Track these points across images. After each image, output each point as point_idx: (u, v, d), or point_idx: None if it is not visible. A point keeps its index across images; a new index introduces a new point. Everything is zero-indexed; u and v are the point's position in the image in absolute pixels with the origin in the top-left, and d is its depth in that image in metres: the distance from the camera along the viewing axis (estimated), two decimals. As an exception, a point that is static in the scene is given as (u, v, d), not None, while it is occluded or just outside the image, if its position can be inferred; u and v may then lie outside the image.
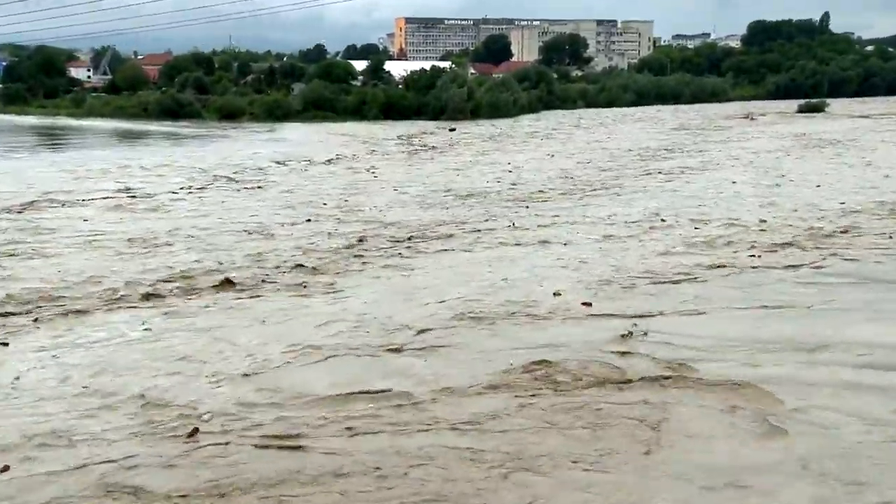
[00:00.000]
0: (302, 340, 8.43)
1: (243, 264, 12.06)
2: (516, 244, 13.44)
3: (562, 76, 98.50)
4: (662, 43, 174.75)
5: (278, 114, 66.96)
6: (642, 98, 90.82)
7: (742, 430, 6.30)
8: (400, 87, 75.13)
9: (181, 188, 20.96)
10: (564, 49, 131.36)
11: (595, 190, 20.69)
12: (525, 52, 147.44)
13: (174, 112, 66.44)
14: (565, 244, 13.24)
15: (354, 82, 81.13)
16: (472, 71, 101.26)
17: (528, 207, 17.37)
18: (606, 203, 17.93)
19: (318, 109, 68.47)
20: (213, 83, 75.87)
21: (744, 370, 7.53)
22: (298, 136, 46.65)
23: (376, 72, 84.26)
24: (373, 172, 24.63)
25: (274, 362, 7.83)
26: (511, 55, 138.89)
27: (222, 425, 6.40)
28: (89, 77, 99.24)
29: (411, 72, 75.34)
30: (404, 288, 10.68)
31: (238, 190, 21.14)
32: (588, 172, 24.96)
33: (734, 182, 22.44)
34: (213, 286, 10.79)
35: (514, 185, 21.52)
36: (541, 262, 11.99)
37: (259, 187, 21.31)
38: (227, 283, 10.91)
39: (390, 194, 19.13)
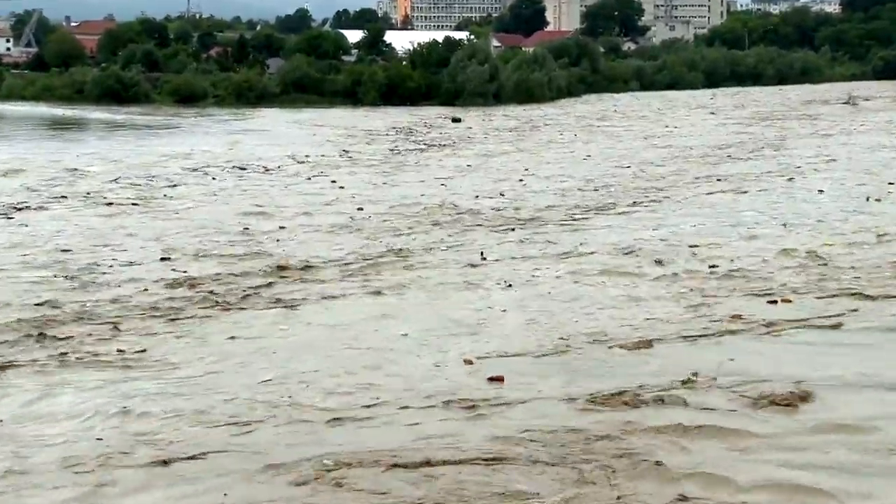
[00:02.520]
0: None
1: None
2: (466, 285, 13.27)
3: (610, 50, 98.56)
4: (739, 8, 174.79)
5: (250, 97, 66.93)
6: (713, 78, 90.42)
7: None
8: (404, 63, 74.97)
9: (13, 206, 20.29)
10: (613, 15, 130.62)
11: (621, 206, 20.55)
12: (563, 19, 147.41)
13: (117, 94, 66.27)
14: (532, 285, 13.22)
15: (347, 58, 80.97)
16: (496, 44, 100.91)
17: (514, 231, 17.45)
18: (629, 225, 18.13)
19: (301, 92, 68.60)
20: (168, 58, 75.69)
21: None
22: (268, 128, 47.05)
23: (374, 45, 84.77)
24: (335, 183, 24.33)
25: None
26: (545, 23, 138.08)
27: None
28: (9, 50, 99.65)
29: (418, 45, 75.54)
30: (224, 364, 10.20)
31: (109, 204, 20.73)
32: (623, 181, 24.67)
33: (821, 191, 22.40)
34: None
35: (517, 199, 21.29)
36: (475, 313, 11.81)
37: (134, 204, 20.88)
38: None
39: (328, 218, 18.67)
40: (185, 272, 14.05)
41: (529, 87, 70.62)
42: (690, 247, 15.81)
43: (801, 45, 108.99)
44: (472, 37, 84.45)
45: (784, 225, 17.95)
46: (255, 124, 49.98)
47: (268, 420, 8.69)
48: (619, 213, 19.68)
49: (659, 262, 14.67)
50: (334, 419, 8.71)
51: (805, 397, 9.13)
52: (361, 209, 19.70)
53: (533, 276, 13.96)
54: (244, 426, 8.54)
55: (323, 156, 30.94)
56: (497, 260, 14.93)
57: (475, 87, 67.87)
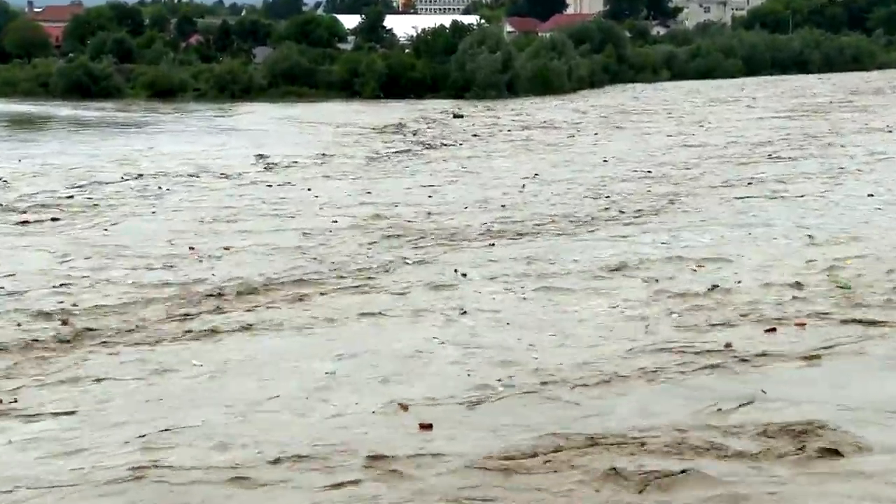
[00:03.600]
0: None
1: None
2: (416, 313, 13.03)
3: (637, 35, 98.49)
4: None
5: (235, 90, 67.22)
6: (753, 65, 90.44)
7: None
8: (407, 52, 75.12)
9: None
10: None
11: (631, 216, 20.34)
12: (584, 1, 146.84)
13: (86, 88, 66.59)
14: (491, 311, 13.04)
15: (343, 46, 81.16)
16: (510, 29, 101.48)
17: (494, 246, 17.25)
18: (635, 238, 17.90)
19: (292, 84, 68.78)
20: (142, 47, 75.83)
21: None
22: (250, 125, 46.72)
23: (373, 30, 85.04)
24: (310, 191, 24.02)
25: None
26: (564, 6, 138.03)
27: None
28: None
29: (423, 30, 75.57)
30: (90, 416, 9.67)
31: (23, 222, 20.16)
32: (640, 187, 24.33)
33: (871, 195, 22.24)
34: None
35: (512, 209, 21.02)
36: (416, 346, 11.59)
37: (54, 219, 20.27)
38: None
39: (284, 234, 18.42)
40: (74, 305, 13.35)
41: (547, 76, 70.76)
42: (696, 263, 15.50)
43: (852, 28, 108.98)
44: (483, 21, 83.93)
45: (811, 236, 17.60)
46: (237, 122, 49.97)
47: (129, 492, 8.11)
48: (627, 224, 19.33)
49: (648, 281, 14.48)
50: (220, 482, 8.28)
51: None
52: (336, 222, 19.40)
53: (497, 299, 13.72)
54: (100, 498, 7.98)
55: (295, 162, 30.50)
56: (466, 281, 14.74)
57: (486, 77, 67.83)
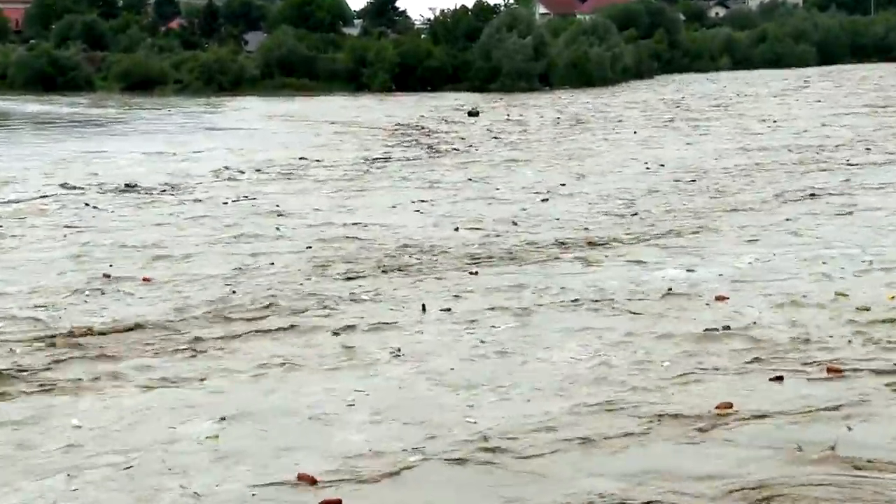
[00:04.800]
0: None
1: None
2: (337, 362, 12.31)
3: (692, 17, 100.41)
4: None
5: (223, 82, 68.36)
6: (828, 52, 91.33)
7: None
8: (423, 37, 76.33)
9: None
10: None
11: (660, 236, 19.62)
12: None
13: (50, 80, 67.44)
14: (434, 356, 12.39)
15: (348, 30, 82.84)
16: (543, 10, 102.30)
17: (475, 274, 16.57)
18: (657, 262, 17.21)
19: (289, 75, 69.96)
20: (116, 32, 76.76)
21: None
22: (234, 125, 46.72)
23: (384, 13, 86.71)
24: (279, 207, 23.45)
25: None
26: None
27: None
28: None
29: (441, 12, 76.37)
30: None
31: None
32: (678, 200, 23.67)
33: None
34: None
35: (510, 227, 20.49)
36: (331, 400, 11.04)
37: None
38: None
39: (223, 261, 17.92)
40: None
41: (586, 66, 71.18)
42: (717, 296, 14.58)
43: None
44: (512, 2, 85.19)
45: (870, 262, 16.67)
46: (220, 119, 50.24)
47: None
48: (649, 247, 18.51)
49: (650, 317, 13.80)
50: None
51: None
52: (310, 247, 18.75)
53: (447, 341, 13.03)
54: None
55: (271, 169, 29.88)
56: (420, 319, 14.07)
57: (515, 66, 68.47)
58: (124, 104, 59.31)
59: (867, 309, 13.69)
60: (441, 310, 14.33)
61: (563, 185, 26.02)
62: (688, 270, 16.39)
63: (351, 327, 13.68)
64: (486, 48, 69.10)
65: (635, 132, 39.27)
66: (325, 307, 14.60)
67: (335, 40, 74.93)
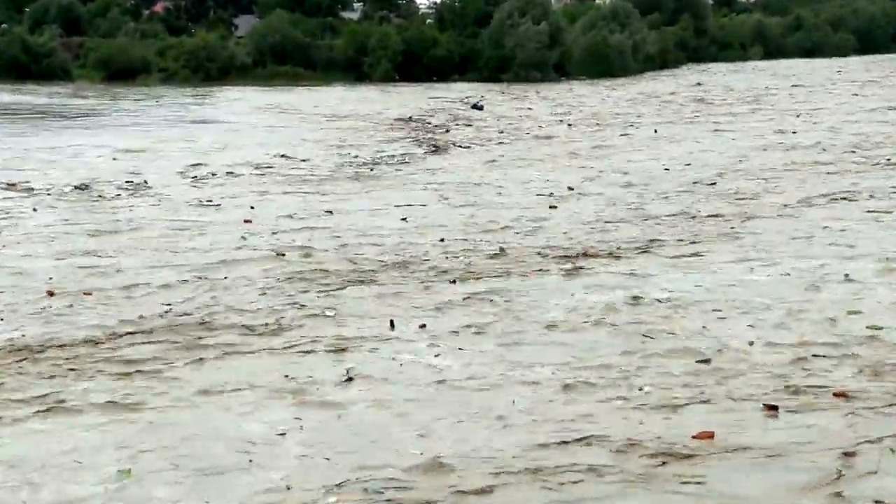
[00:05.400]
0: None
1: None
2: (278, 389, 11.93)
3: (721, 3, 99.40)
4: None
5: (211, 71, 68.44)
6: (868, 41, 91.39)
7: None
8: (429, 23, 75.81)
9: None
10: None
11: (663, 245, 19.47)
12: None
13: (24, 68, 67.13)
14: (389, 384, 12.11)
15: (348, 15, 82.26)
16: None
17: (454, 283, 16.57)
18: (652, 275, 17.00)
19: (283, 63, 69.89)
20: (95, 16, 76.78)
21: None
22: (218, 118, 46.49)
23: None
24: (252, 208, 23.23)
25: None
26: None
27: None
28: None
29: (449, -5, 75.77)
30: None
31: None
32: (691, 203, 23.55)
33: None
34: None
35: (505, 236, 20.21)
36: (247, 440, 10.70)
37: None
38: None
39: (169, 272, 17.52)
40: None
41: (605, 54, 71.25)
42: (716, 315, 14.45)
43: None
44: None
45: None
46: (202, 112, 49.61)
47: None
48: (651, 259, 18.18)
49: (633, 338, 13.61)
50: None
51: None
52: (284, 255, 18.38)
53: (405, 364, 12.74)
54: None
55: (237, 171, 29.28)
56: (382, 341, 13.80)
57: (529, 55, 68.39)
58: (103, 94, 59.04)
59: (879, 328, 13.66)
60: (412, 328, 14.13)
61: (572, 188, 25.70)
62: (696, 285, 16.28)
63: (303, 347, 13.44)
64: (498, 35, 68.98)
65: (655, 130, 39.16)
66: (278, 324, 14.33)
67: (333, 25, 75.00)
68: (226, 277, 17.05)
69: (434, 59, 69.13)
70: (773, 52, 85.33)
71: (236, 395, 11.89)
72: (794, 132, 37.78)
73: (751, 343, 13.09)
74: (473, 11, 72.13)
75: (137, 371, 12.57)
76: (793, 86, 59.94)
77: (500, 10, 70.47)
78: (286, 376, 12.35)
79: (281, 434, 10.68)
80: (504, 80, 66.01)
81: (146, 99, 56.07)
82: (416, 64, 68.75)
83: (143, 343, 13.65)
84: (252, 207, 23.22)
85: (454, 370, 12.48)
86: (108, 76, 66.72)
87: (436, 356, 13.09)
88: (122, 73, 66.78)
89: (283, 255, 18.39)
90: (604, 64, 69.89)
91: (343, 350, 13.38)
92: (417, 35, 70.43)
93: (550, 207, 23.17)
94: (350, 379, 12.19)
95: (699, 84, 62.76)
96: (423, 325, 14.18)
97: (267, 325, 14.40)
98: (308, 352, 13.34)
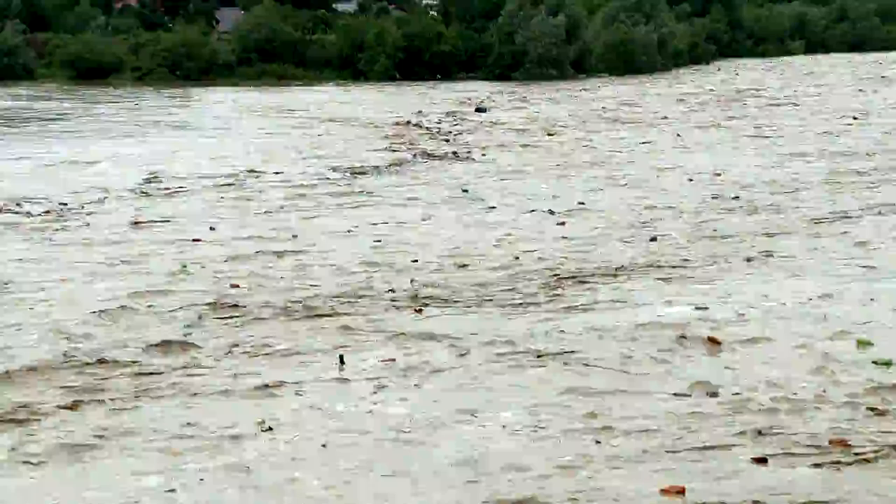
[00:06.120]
0: None
1: None
2: (189, 438, 11.67)
3: None
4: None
5: (190, 70, 68.18)
6: None
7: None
8: (432, 15, 76.59)
9: None
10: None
11: (659, 269, 19.38)
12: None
13: None
14: (307, 430, 11.89)
15: (343, 6, 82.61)
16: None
17: (420, 312, 16.42)
18: (654, 300, 17.04)
19: (271, 61, 69.87)
20: (61, 10, 76.71)
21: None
22: (189, 120, 46.53)
23: None
24: (212, 229, 22.61)
25: None
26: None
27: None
28: None
29: (454, -14, 76.29)
30: None
31: None
32: (703, 220, 23.42)
33: None
34: None
35: (487, 260, 19.79)
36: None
37: None
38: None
39: (99, 300, 17.15)
40: None
41: (628, 50, 70.95)
42: (707, 348, 14.37)
43: None
44: None
45: None
46: (175, 117, 49.74)
47: None
48: (645, 284, 18.27)
49: (603, 374, 13.54)
50: None
51: None
52: (237, 286, 17.95)
53: (342, 408, 12.54)
54: None
55: (194, 186, 28.65)
56: (327, 378, 13.63)
57: (543, 50, 68.03)
58: (70, 96, 58.70)
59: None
60: (365, 366, 13.95)
61: (583, 203, 25.32)
62: (697, 308, 16.27)
63: (225, 390, 13.13)
64: (508, 29, 68.62)
65: (678, 135, 38.83)
66: (196, 365, 13.97)
67: (326, 20, 74.90)
68: (150, 306, 16.81)
69: (438, 56, 69.03)
70: (816, 45, 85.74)
71: (131, 450, 11.43)
72: (847, 127, 38.57)
73: (714, 394, 12.93)
74: (481, 2, 72.63)
75: (31, 417, 12.25)
76: (845, 85, 59.94)
77: (510, 2, 70.46)
78: (200, 419, 12.10)
79: (170, 491, 10.42)
80: (516, 79, 65.94)
81: (114, 102, 55.79)
82: (418, 61, 68.60)
83: (37, 382, 13.31)
84: (212, 229, 22.67)
85: (399, 416, 12.23)
86: (77, 76, 66.77)
87: (378, 397, 12.88)
88: (91, 73, 66.79)
89: (236, 285, 17.96)
90: (627, 60, 70.02)
91: (271, 391, 13.16)
92: (419, 29, 70.23)
93: (559, 224, 22.97)
94: (268, 429, 11.86)
95: (738, 81, 63.27)
96: (391, 359, 14.03)
97: (184, 364, 14.02)
98: (231, 393, 13.06)
